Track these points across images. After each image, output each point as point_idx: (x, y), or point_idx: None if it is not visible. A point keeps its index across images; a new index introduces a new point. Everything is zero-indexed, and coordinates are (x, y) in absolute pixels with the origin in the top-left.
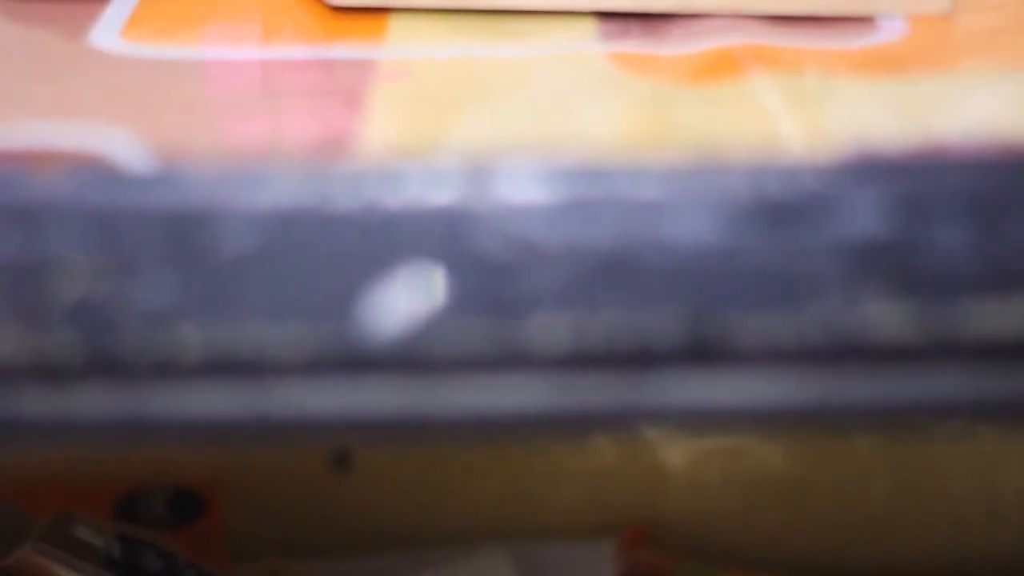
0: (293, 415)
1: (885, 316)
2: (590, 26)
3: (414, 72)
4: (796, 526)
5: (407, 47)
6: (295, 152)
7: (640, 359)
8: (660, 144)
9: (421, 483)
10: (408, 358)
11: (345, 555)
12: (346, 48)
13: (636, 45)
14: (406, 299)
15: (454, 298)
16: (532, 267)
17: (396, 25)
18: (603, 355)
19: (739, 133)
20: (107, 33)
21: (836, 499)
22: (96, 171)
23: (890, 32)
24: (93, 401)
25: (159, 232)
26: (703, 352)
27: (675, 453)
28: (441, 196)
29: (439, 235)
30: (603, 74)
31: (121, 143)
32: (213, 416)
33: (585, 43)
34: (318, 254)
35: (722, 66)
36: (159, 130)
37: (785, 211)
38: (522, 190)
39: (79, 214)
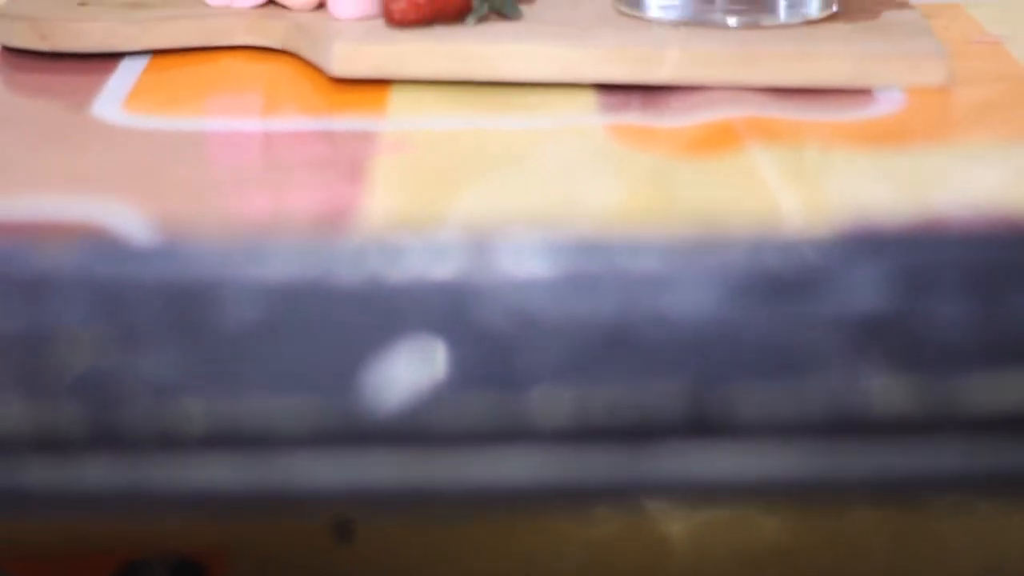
0: (296, 488)
1: (885, 389)
2: (590, 98)
3: (415, 144)
4: None
5: (408, 119)
6: (298, 224)
7: (641, 432)
8: (660, 218)
9: (422, 553)
10: (410, 431)
11: None
12: (348, 120)
13: (636, 117)
14: (408, 372)
15: (456, 371)
16: (533, 340)
17: (398, 96)
18: (604, 428)
19: (738, 206)
20: (110, 105)
21: (837, 569)
22: (100, 243)
23: (888, 104)
24: (96, 473)
25: (163, 305)
26: (704, 425)
27: (676, 524)
28: (442, 270)
29: (440, 309)
30: (603, 147)
31: (124, 215)
32: (216, 488)
33: (585, 116)
34: (320, 327)
35: (721, 138)
36: (162, 202)
37: (785, 284)
38: (523, 264)
39: (83, 286)
